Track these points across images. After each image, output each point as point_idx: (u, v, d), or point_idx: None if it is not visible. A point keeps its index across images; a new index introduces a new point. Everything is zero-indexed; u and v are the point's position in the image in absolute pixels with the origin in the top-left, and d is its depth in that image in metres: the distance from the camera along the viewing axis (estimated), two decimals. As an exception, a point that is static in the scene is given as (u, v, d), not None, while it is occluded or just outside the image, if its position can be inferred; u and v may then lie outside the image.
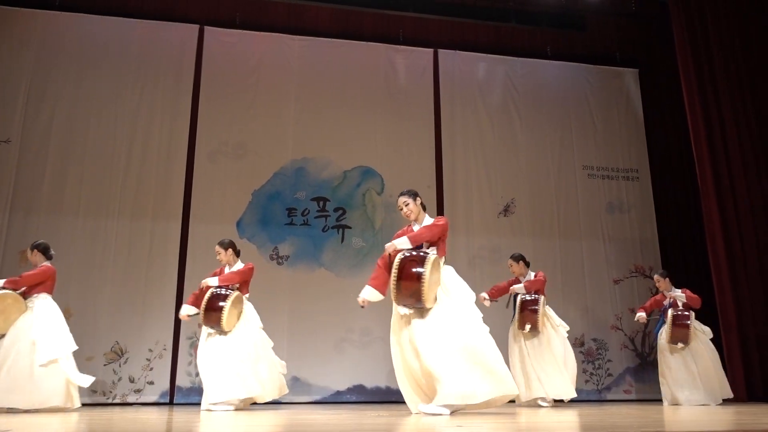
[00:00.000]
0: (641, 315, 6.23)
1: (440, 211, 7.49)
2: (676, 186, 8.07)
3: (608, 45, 8.57)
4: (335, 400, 6.63)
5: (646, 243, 7.92)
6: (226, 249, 5.49)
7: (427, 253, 4.04)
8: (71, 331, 6.31)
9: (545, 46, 8.37)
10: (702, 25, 7.18)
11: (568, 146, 8.08)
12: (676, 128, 8.10)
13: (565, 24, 8.45)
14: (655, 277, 6.41)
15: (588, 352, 7.43)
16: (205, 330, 5.19)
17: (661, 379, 6.11)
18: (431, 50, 8.00)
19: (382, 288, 4.17)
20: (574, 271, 7.63)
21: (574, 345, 7.36)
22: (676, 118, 8.01)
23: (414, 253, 4.01)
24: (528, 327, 5.74)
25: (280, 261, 6.99)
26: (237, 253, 5.54)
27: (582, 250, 7.72)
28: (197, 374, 6.44)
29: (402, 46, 7.92)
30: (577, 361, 7.28)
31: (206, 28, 7.45)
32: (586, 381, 7.31)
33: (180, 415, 4.40)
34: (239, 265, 5.49)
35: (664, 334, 6.09)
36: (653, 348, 7.44)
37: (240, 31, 7.54)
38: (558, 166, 7.98)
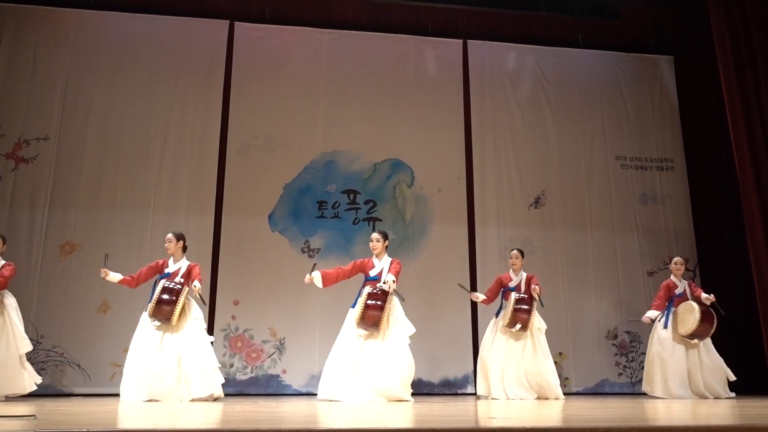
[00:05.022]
0: (651, 316, 6.20)
1: (470, 203, 7.46)
2: (713, 175, 7.87)
3: (642, 32, 8.38)
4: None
5: (681, 234, 7.77)
6: (177, 240, 5.55)
7: (387, 291, 5.23)
8: (108, 323, 6.53)
9: (577, 34, 8.22)
10: (740, 8, 6.97)
11: (600, 136, 7.96)
12: (712, 116, 7.89)
13: (598, 11, 8.28)
14: (679, 260, 6.43)
15: (621, 344, 7.34)
16: (148, 321, 5.23)
17: (653, 369, 6.06)
18: (460, 41, 7.94)
19: (326, 282, 5.53)
20: (607, 263, 7.54)
21: (606, 337, 7.33)
22: (713, 106, 7.80)
23: (376, 290, 5.25)
24: (518, 326, 5.74)
25: (312, 254, 7.05)
26: (184, 248, 5.60)
27: (615, 242, 7.62)
28: (231, 365, 6.59)
29: (431, 38, 7.87)
30: (610, 354, 7.28)
31: (236, 23, 7.52)
32: (620, 374, 7.23)
33: (217, 406, 4.49)
34: (185, 262, 5.52)
35: (670, 324, 6.07)
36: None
37: (269, 25, 7.58)
38: (590, 156, 7.87)
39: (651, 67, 8.28)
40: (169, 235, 5.56)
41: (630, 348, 7.34)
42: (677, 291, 6.26)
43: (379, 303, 5.16)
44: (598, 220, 7.67)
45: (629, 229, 7.70)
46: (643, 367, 7.25)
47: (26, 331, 5.49)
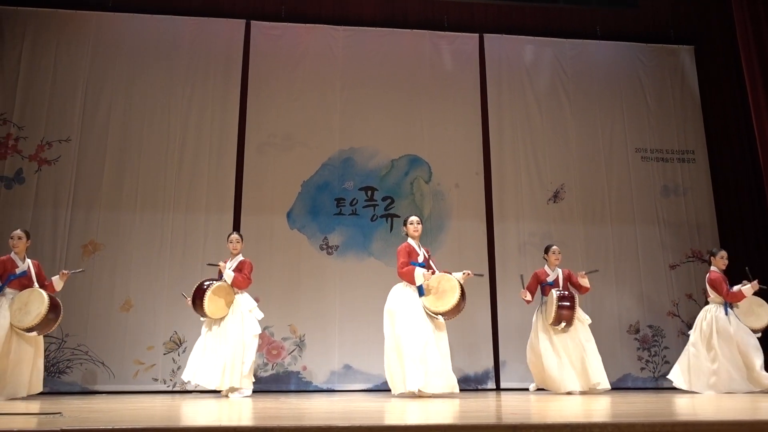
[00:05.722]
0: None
1: (488, 198, 7.43)
2: (736, 167, 7.74)
3: (662, 21, 8.26)
4: (387, 387, 6.67)
5: (704, 227, 7.66)
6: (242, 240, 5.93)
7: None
8: (131, 322, 6.62)
9: (595, 25, 8.13)
10: (762, -5, 6.84)
11: (619, 129, 7.86)
12: (735, 106, 7.76)
13: (616, 1, 8.18)
14: (725, 253, 6.08)
15: (643, 339, 7.26)
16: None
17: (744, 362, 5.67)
18: (476, 35, 7.89)
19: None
20: (628, 256, 7.45)
21: (628, 332, 7.26)
22: (735, 96, 7.68)
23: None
24: (563, 324, 5.70)
25: (330, 251, 7.07)
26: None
27: (636, 236, 7.53)
28: (252, 361, 6.65)
29: (447, 32, 7.84)
30: (632, 349, 7.21)
31: (252, 22, 7.55)
32: (642, 369, 7.16)
33: (237, 403, 4.53)
34: (239, 258, 5.79)
35: (736, 318, 5.77)
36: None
37: (285, 23, 7.61)
38: (609, 149, 7.79)
39: (671, 57, 8.16)
40: (237, 236, 5.88)
41: (653, 342, 7.26)
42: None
43: (464, 294, 5.12)
44: (618, 214, 7.59)
45: (651, 222, 7.61)
46: (666, 362, 7.19)
47: (52, 331, 5.55)
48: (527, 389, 6.32)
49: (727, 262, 6.06)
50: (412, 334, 5.01)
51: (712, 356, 5.73)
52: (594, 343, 5.81)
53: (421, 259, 5.35)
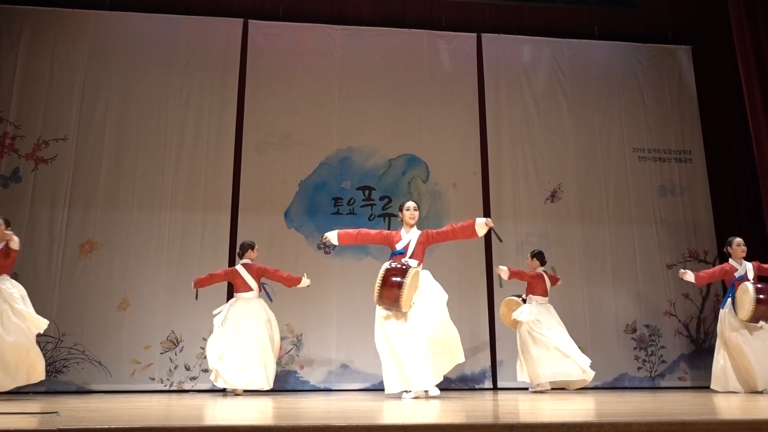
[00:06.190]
0: (690, 274, 5.73)
1: (486, 198, 7.44)
2: (733, 167, 7.76)
3: (660, 21, 8.28)
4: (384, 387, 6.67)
5: (701, 226, 7.68)
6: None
7: (409, 266, 4.64)
8: (128, 321, 6.61)
9: (593, 25, 8.14)
10: (760, -4, 6.85)
11: (617, 129, 7.88)
12: (732, 107, 7.77)
13: (614, 1, 8.20)
14: (741, 240, 5.82)
15: (640, 338, 7.28)
16: None
17: (730, 363, 5.54)
18: (474, 35, 7.90)
19: (342, 240, 5.18)
20: (625, 256, 7.47)
21: (625, 331, 7.27)
22: (733, 96, 7.69)
23: (396, 265, 4.66)
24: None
25: (328, 250, 7.07)
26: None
27: (633, 235, 7.55)
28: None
29: (445, 32, 7.84)
30: (629, 348, 7.21)
31: (250, 21, 7.55)
32: (639, 368, 7.18)
33: (230, 400, 4.52)
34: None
35: (734, 310, 5.54)
36: (708, 334, 7.23)
37: (283, 23, 7.61)
38: (607, 149, 7.80)
39: (669, 57, 8.17)
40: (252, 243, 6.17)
41: (649, 342, 7.28)
42: (737, 274, 5.66)
43: (397, 279, 4.52)
44: (615, 214, 7.60)
45: (648, 221, 7.63)
46: (663, 361, 7.22)
47: (48, 330, 5.52)
48: (524, 389, 6.33)
49: (745, 248, 5.77)
50: (382, 334, 4.74)
51: (717, 354, 5.73)
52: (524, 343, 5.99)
53: (401, 246, 4.92)
